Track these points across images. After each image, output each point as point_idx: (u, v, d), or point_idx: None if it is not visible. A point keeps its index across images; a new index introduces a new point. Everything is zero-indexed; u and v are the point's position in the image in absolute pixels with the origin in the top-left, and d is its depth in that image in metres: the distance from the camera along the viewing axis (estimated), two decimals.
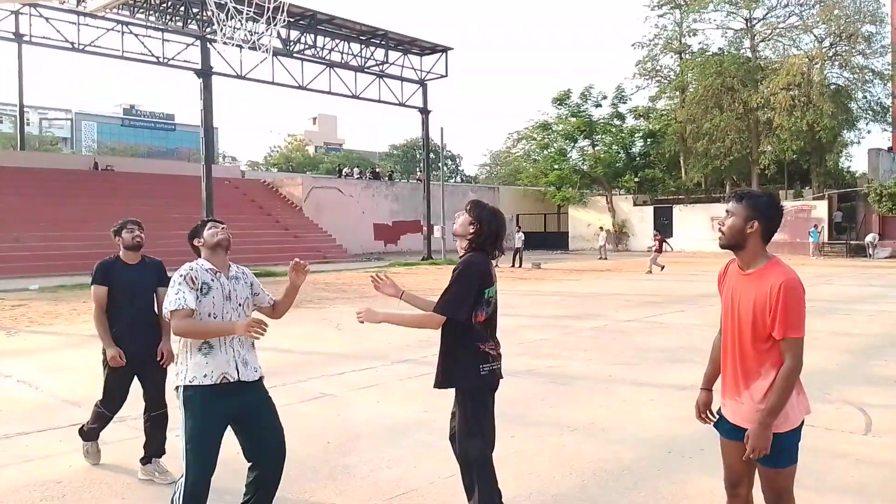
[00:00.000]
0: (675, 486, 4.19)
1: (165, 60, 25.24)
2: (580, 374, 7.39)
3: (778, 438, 2.65)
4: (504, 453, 4.77)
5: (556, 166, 41.42)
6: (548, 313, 12.69)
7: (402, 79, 31.43)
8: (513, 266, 25.47)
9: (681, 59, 41.58)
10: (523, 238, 27.38)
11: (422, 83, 31.98)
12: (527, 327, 10.90)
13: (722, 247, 2.73)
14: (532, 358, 8.26)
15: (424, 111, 32.13)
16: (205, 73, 23.99)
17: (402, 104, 31.64)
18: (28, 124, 46.16)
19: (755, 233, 2.63)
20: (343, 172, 44.37)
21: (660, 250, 23.24)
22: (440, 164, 35.38)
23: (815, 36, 36.32)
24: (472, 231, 3.30)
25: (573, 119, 40.87)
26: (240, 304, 3.35)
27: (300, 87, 28.16)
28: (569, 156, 42.38)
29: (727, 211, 2.70)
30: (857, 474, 4.15)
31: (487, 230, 3.28)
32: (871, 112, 36.67)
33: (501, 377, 3.36)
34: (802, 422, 2.72)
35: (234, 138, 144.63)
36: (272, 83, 27.33)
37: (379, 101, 31.07)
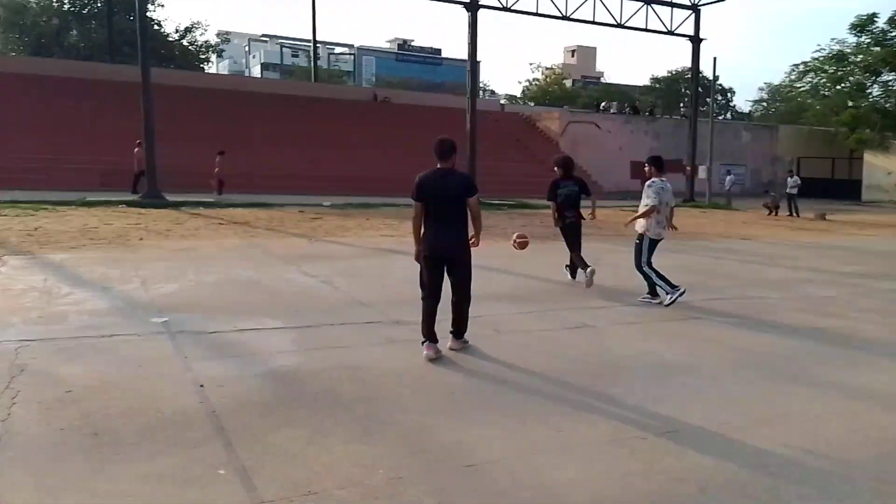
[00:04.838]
0: None
1: None
2: (874, 339, 6.50)
3: None
4: (785, 411, 4.45)
5: (851, 104, 35.70)
6: (833, 269, 11.28)
7: (672, 4, 29.20)
8: (790, 214, 22.93)
9: None
10: (799, 183, 24.19)
11: (694, 8, 29.39)
12: (808, 281, 9.85)
13: None
14: (815, 315, 7.46)
15: (696, 40, 29.66)
16: (473, 5, 24.60)
17: (670, 32, 29.49)
18: (318, 58, 52.04)
19: None
20: (601, 106, 43.16)
21: None
22: (708, 99, 32.64)
23: None
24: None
25: (877, 49, 34.47)
26: None
27: (563, 18, 27.54)
28: (868, 91, 36.20)
29: None
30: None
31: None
32: None
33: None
34: None
35: (493, 71, 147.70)
36: (536, 14, 27.10)
37: (645, 29, 29.25)
